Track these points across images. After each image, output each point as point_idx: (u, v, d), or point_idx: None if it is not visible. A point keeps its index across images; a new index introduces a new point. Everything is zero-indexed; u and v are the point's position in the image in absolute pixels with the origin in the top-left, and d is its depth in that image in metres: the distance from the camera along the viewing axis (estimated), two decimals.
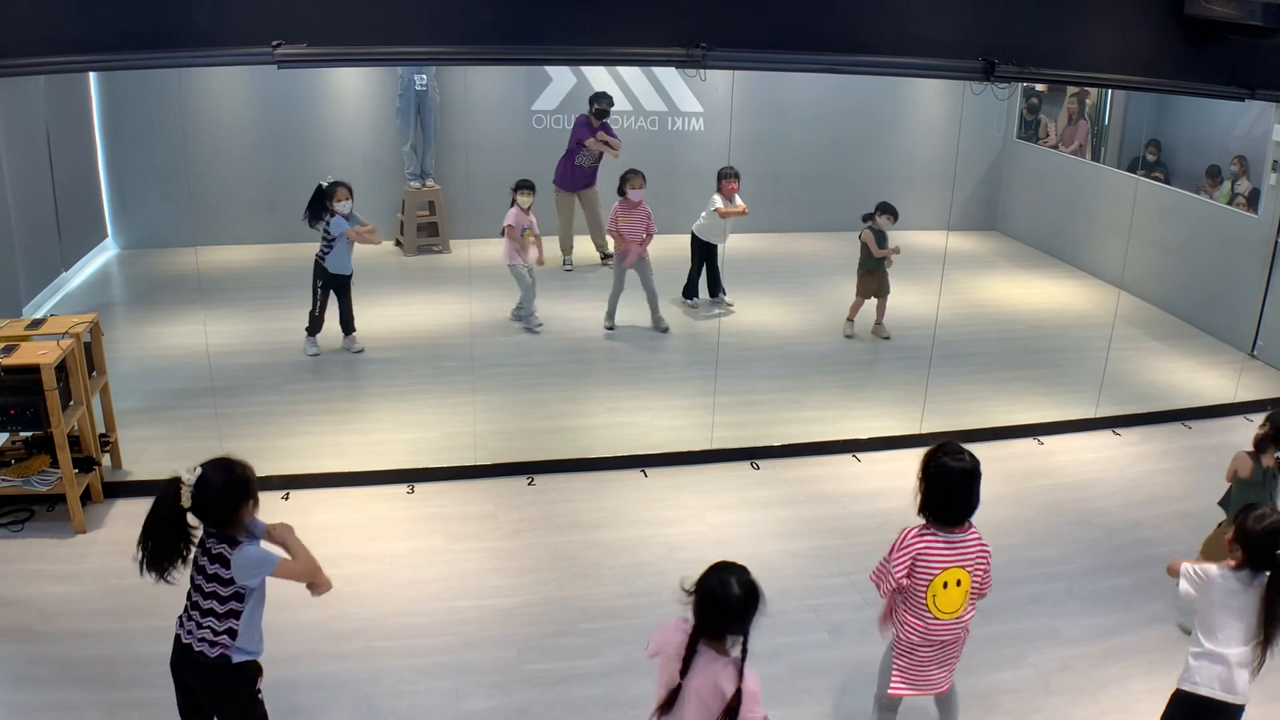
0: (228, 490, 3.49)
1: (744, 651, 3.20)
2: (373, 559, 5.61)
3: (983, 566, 3.89)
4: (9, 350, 5.56)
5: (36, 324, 5.99)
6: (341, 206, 7.82)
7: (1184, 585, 3.87)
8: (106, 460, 6.26)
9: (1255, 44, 6.12)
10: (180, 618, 3.68)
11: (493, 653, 4.90)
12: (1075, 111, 11.57)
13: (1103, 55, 6.21)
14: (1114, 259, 10.27)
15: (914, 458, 6.80)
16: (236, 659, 3.64)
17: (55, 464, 5.69)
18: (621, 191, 8.87)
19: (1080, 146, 11.52)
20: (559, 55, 6.47)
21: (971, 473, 3.79)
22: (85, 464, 5.90)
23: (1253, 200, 9.06)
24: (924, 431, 7.14)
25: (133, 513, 5.91)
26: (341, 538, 5.76)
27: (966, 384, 8.11)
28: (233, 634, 3.60)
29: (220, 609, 3.57)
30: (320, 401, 7.43)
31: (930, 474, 3.82)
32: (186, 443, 6.61)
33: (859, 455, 6.98)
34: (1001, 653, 5.02)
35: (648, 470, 6.65)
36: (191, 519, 3.52)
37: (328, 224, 7.87)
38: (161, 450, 6.55)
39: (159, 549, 3.52)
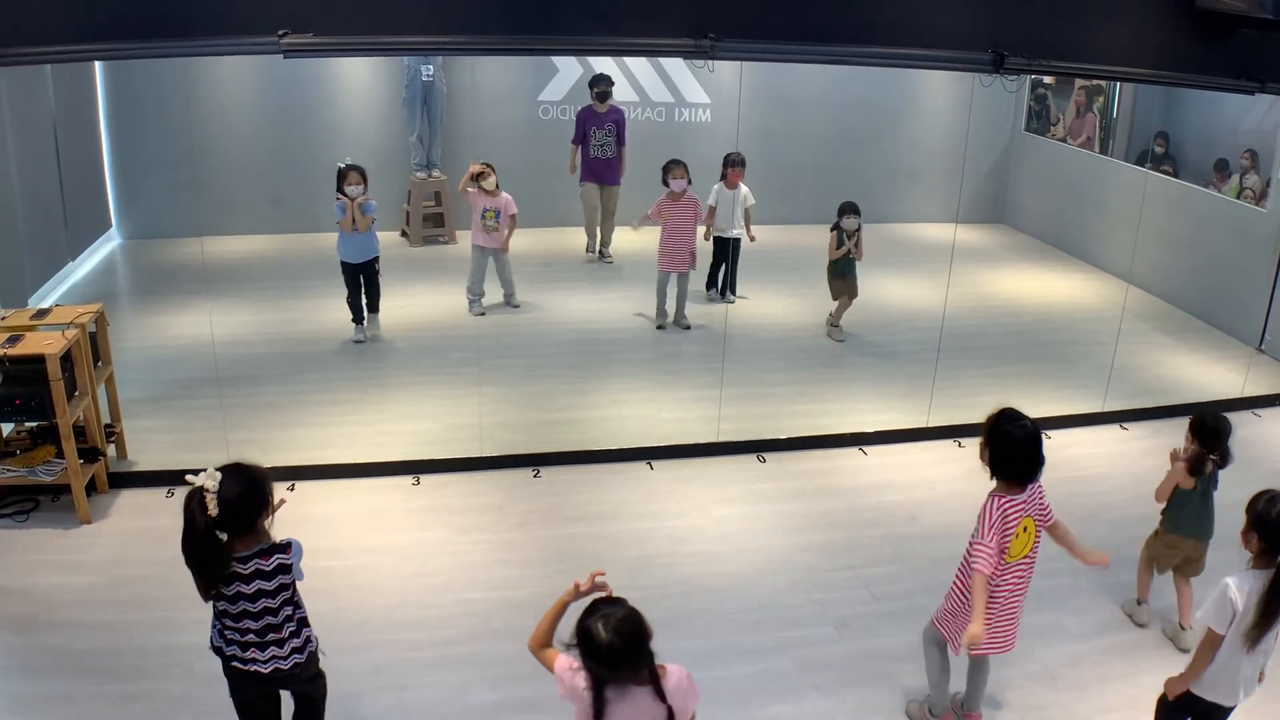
0: (247, 496, 3.39)
1: (653, 677, 3.03)
2: (378, 551, 5.61)
3: (1045, 510, 4.16)
4: (15, 340, 5.56)
5: (42, 314, 5.99)
6: (352, 190, 7.90)
7: (1211, 614, 3.67)
8: (111, 450, 6.26)
9: (1265, 37, 6.08)
10: (247, 654, 3.56)
11: (498, 645, 4.88)
12: (1084, 104, 11.52)
13: (1112, 48, 6.17)
14: (1122, 252, 10.23)
15: (921, 451, 6.94)
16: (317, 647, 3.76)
17: (60, 454, 5.68)
18: (665, 184, 8.78)
19: (1088, 139, 11.47)
20: (566, 45, 6.42)
21: (1034, 438, 3.99)
22: (90, 454, 5.90)
23: (1261, 194, 9.02)
24: (931, 425, 7.13)
25: (138, 503, 5.96)
26: (346, 529, 5.76)
27: (973, 377, 8.07)
28: (306, 624, 3.66)
29: (277, 620, 3.54)
30: (325, 392, 7.42)
31: (996, 441, 4.01)
32: (191, 433, 6.62)
33: (866, 448, 6.97)
34: None
35: (654, 463, 6.64)
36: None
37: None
38: (166, 440, 6.56)
39: (203, 570, 3.42)
